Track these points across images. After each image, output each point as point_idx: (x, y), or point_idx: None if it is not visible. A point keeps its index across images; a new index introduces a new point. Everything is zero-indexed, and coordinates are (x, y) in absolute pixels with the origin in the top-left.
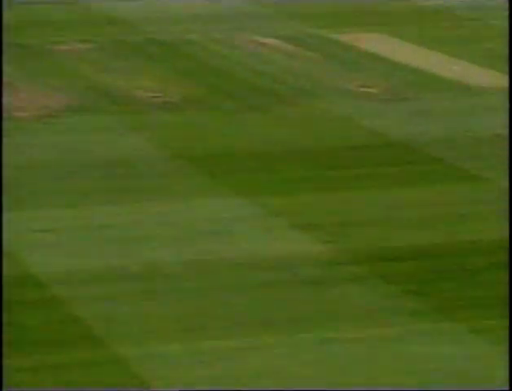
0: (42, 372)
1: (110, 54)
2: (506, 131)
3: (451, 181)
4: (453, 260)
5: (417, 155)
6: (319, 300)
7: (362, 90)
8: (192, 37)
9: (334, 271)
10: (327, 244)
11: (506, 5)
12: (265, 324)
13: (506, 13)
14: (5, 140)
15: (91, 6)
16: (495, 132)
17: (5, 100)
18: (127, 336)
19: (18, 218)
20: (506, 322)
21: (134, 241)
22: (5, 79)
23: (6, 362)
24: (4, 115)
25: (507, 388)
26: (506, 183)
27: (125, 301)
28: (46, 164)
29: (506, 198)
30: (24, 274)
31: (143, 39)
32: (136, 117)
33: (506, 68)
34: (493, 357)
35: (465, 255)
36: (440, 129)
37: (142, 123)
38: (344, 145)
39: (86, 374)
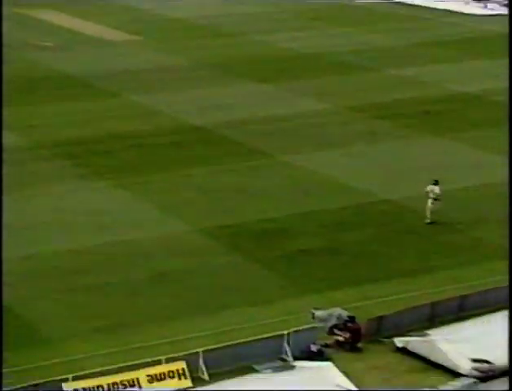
0: None
1: None
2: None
3: (95, 97)
4: (97, 146)
5: (81, 83)
6: (20, 174)
7: (44, 44)
8: None
9: (27, 155)
10: (21, 138)
11: None
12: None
13: None
14: None
15: None
16: (158, 65)
17: None
18: None
19: None
20: (143, 178)
21: None
22: None
23: None
24: None
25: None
26: (137, 98)
27: None
28: None
29: (145, 111)
30: None
31: None
32: None
33: (132, 29)
34: (128, 198)
35: (110, 141)
36: (99, 66)
37: None
38: (31, 76)
39: None
